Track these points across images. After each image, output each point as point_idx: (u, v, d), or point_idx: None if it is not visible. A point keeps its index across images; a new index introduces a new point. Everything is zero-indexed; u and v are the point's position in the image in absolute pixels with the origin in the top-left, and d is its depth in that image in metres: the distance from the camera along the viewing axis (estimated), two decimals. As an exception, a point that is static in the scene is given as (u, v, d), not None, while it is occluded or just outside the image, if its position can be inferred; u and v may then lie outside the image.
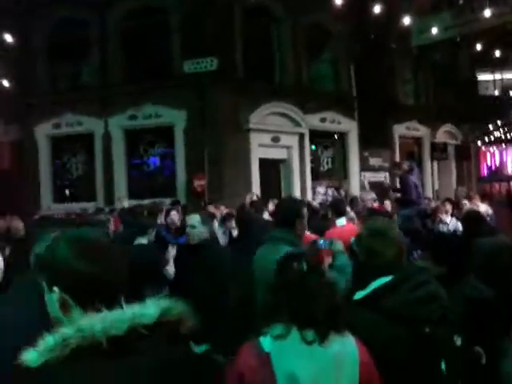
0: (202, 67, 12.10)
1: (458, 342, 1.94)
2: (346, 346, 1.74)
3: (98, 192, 13.58)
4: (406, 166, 7.96)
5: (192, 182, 12.37)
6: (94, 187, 13.68)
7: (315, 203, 8.03)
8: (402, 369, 1.92)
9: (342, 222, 5.43)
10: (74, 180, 14.54)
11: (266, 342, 1.73)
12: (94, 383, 1.09)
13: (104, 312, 1.15)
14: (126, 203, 10.35)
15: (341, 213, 5.56)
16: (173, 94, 12.54)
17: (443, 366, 1.88)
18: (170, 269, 4.46)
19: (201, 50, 12.16)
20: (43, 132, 14.00)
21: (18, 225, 6.27)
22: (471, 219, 5.16)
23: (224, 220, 6.55)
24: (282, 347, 1.69)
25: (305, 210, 3.25)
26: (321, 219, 6.60)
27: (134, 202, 10.32)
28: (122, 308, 1.18)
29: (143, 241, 4.54)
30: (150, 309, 1.20)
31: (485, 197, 11.25)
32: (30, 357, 1.08)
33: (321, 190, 10.44)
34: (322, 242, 3.07)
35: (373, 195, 7.82)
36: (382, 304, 2.03)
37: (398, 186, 8.04)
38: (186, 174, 12.72)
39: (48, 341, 1.09)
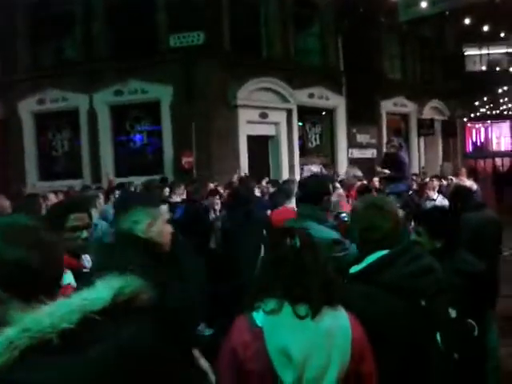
0: (188, 41, 11.92)
1: (453, 314, 1.97)
2: (338, 321, 1.75)
3: (84, 169, 13.45)
4: (396, 142, 7.97)
5: (180, 159, 12.30)
6: (80, 164, 13.54)
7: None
8: (398, 341, 1.95)
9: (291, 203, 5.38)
10: (60, 157, 14.37)
11: (258, 316, 1.74)
12: (52, 383, 0.99)
13: (49, 305, 1.05)
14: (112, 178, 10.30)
15: (290, 195, 5.51)
16: (159, 69, 12.36)
17: (439, 338, 1.91)
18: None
19: (187, 25, 11.95)
20: (27, 108, 13.75)
21: (5, 203, 6.18)
22: (460, 194, 5.22)
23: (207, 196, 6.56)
24: (275, 322, 1.71)
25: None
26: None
27: (122, 180, 10.25)
28: (68, 298, 1.08)
29: None
30: (101, 292, 1.11)
31: (471, 173, 11.37)
32: None
33: (313, 168, 10.47)
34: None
35: (358, 173, 7.82)
36: (378, 278, 2.04)
37: (384, 163, 8.05)
38: (174, 150, 12.64)
39: None
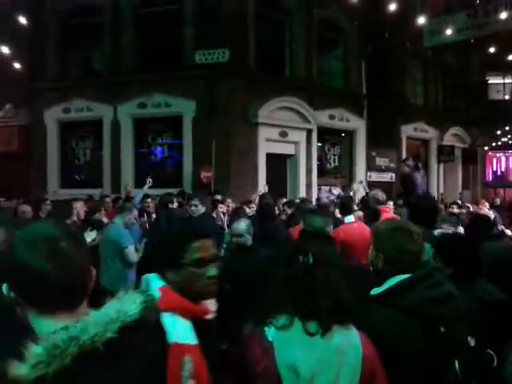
0: (213, 58, 12.09)
1: (472, 342, 1.96)
2: (349, 339, 1.76)
3: (104, 178, 13.62)
4: (411, 162, 7.94)
5: (199, 174, 12.39)
6: (101, 174, 13.71)
7: (325, 200, 8.03)
8: (414, 365, 1.94)
9: (350, 218, 5.49)
10: (82, 166, 14.57)
11: (269, 332, 1.76)
12: None
13: (90, 315, 1.08)
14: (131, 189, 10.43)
15: (348, 210, 5.62)
16: (183, 84, 12.55)
17: (457, 366, 1.90)
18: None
19: (213, 41, 12.15)
20: (52, 116, 14.02)
21: (26, 208, 6.32)
22: (479, 223, 5.18)
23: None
24: (285, 337, 1.73)
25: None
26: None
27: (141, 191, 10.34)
28: (89, 310, 1.11)
29: None
30: (129, 305, 1.14)
31: (493, 204, 11.27)
32: (22, 371, 0.97)
33: (334, 191, 10.51)
34: None
35: (380, 197, 7.74)
36: (398, 301, 2.04)
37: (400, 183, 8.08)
38: (193, 165, 12.74)
39: (36, 352, 0.99)
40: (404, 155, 17.48)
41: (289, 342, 1.72)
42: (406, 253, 2.14)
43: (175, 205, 6.97)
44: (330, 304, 1.75)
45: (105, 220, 6.74)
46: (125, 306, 1.13)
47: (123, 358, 1.07)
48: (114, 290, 1.32)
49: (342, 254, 5.18)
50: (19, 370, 0.97)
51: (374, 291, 2.12)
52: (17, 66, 12.77)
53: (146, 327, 1.15)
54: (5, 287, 1.11)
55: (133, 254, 5.21)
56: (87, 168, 14.46)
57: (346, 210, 5.64)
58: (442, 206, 8.32)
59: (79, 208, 6.72)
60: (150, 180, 7.75)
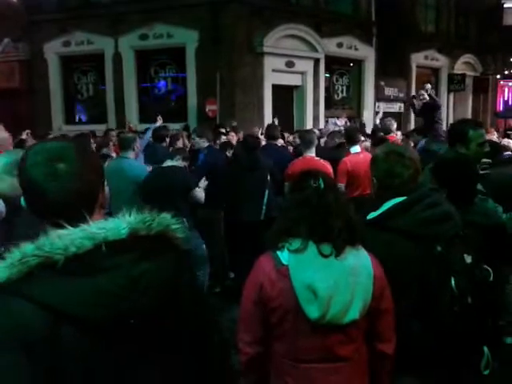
0: (215, -15, 11.60)
1: (468, 260, 2.00)
2: (361, 260, 1.81)
3: (109, 114, 13.51)
4: (429, 87, 7.82)
5: (204, 107, 12.24)
6: (105, 109, 13.59)
7: (321, 130, 7.93)
8: (413, 287, 1.99)
9: (356, 149, 5.46)
10: (85, 101, 14.43)
11: (283, 255, 1.79)
12: (49, 300, 1.03)
13: (67, 229, 1.09)
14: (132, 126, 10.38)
15: (354, 140, 5.58)
16: (185, 14, 12.11)
17: (453, 283, 1.95)
18: (200, 193, 4.82)
19: (215, -33, 11.60)
20: (53, 50, 13.72)
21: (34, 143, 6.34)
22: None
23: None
24: (300, 260, 1.76)
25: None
26: (335, 148, 6.56)
27: (145, 126, 10.29)
28: (87, 225, 1.11)
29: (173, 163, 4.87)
30: (119, 224, 1.13)
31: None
32: None
33: (338, 122, 10.32)
34: None
35: (391, 126, 7.61)
36: (394, 224, 2.06)
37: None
38: (198, 98, 12.55)
39: (12, 256, 1.05)
40: (414, 84, 17.08)
41: (305, 263, 1.75)
42: (397, 176, 2.14)
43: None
44: (341, 226, 1.79)
45: (113, 155, 6.73)
46: (113, 224, 1.12)
47: (87, 274, 1.06)
48: None
49: (350, 184, 5.22)
50: None
51: (371, 215, 2.14)
52: (13, -2, 12.39)
53: (134, 249, 1.12)
54: (22, 200, 1.22)
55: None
56: (91, 103, 14.31)
57: (352, 140, 5.60)
58: None
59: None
60: (160, 118, 7.66)
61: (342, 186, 5.17)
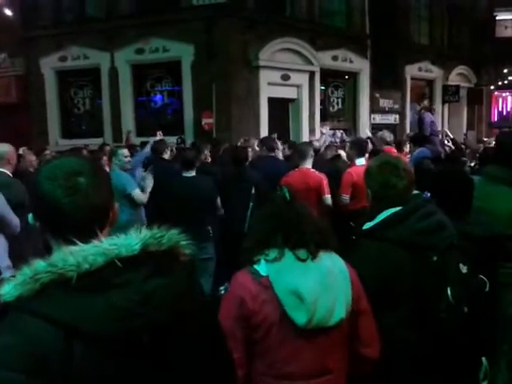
0: (210, -1, 11.71)
1: (464, 270, 2.00)
2: (335, 263, 1.84)
3: (105, 128, 13.54)
4: (426, 102, 7.87)
5: (200, 120, 12.28)
6: (101, 123, 13.62)
7: (317, 143, 7.92)
8: (409, 297, 1.99)
9: (361, 161, 5.42)
10: (82, 115, 14.45)
11: (260, 267, 1.78)
12: (61, 317, 1.03)
13: (78, 245, 1.09)
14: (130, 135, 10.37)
15: (363, 152, 5.56)
16: (181, 27, 12.20)
17: (449, 292, 1.95)
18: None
19: (210, -18, 11.72)
20: (49, 65, 13.78)
21: (32, 158, 6.35)
22: (482, 157, 5.21)
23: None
24: (280, 268, 1.76)
25: None
26: (330, 160, 6.56)
27: (142, 139, 10.32)
28: (99, 241, 1.11)
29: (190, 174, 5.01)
30: (131, 240, 1.12)
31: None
32: (7, 290, 1.04)
33: (324, 130, 10.33)
34: None
35: (388, 138, 7.62)
36: (390, 234, 2.07)
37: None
38: (194, 111, 12.59)
39: (24, 273, 1.04)
40: (408, 96, 17.21)
41: (285, 270, 1.75)
42: (391, 188, 2.16)
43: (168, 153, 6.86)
44: (313, 231, 1.83)
45: (106, 169, 6.74)
46: (125, 240, 1.12)
47: (100, 291, 1.06)
48: None
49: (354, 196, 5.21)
50: (5, 289, 1.03)
51: (366, 226, 2.15)
52: (9, 13, 12.45)
53: (146, 265, 1.12)
54: (30, 217, 1.20)
55: (139, 195, 5.15)
56: (87, 117, 14.34)
57: (359, 152, 5.57)
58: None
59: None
60: (161, 133, 7.66)
61: (346, 197, 5.14)
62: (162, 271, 1.14)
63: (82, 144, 10.39)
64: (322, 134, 9.56)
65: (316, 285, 1.73)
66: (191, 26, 12.12)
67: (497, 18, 22.06)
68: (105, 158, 7.43)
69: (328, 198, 5.16)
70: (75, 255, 1.06)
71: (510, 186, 2.76)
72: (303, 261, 1.77)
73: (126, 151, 5.55)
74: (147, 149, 6.97)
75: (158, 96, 13.50)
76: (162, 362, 1.14)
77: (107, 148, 8.23)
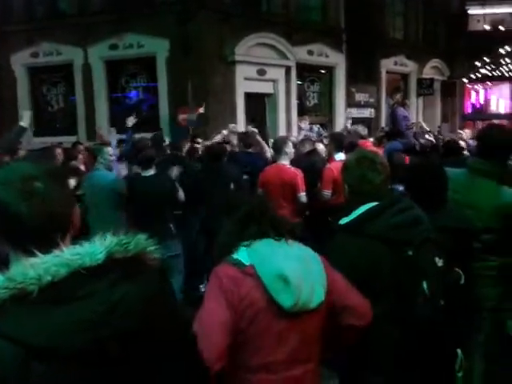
0: (185, -6, 11.59)
1: (439, 263, 2.02)
2: (305, 249, 1.88)
3: (79, 125, 13.32)
4: (399, 96, 7.88)
5: (176, 116, 12.16)
6: (75, 120, 13.39)
7: (294, 139, 7.92)
8: (386, 291, 2.01)
9: (340, 156, 5.42)
10: (55, 113, 14.18)
11: (242, 256, 1.78)
12: (21, 334, 0.98)
13: (39, 257, 1.03)
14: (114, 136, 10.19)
15: (342, 147, 5.56)
16: (155, 23, 12.05)
17: (425, 286, 1.97)
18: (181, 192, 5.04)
19: (184, -24, 11.60)
20: (20, 61, 13.48)
21: (3, 158, 6.18)
22: (448, 148, 5.31)
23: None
24: (261, 254, 1.77)
25: None
26: (307, 154, 6.56)
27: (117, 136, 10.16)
28: (60, 251, 1.06)
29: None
30: (95, 248, 1.08)
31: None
32: None
33: (303, 125, 10.31)
34: None
35: (362, 132, 7.64)
36: (367, 229, 2.08)
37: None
38: (170, 107, 12.48)
39: None
40: (384, 90, 17.37)
41: (267, 256, 1.76)
42: (368, 182, 2.17)
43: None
44: (279, 222, 1.90)
45: (82, 167, 6.61)
46: (88, 249, 1.08)
47: (63, 303, 1.02)
48: None
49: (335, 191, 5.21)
50: None
51: (343, 221, 2.15)
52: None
53: (112, 273, 1.09)
54: None
55: None
56: (60, 115, 14.08)
57: (339, 146, 5.57)
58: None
59: (59, 155, 6.55)
60: (132, 118, 7.28)
61: (328, 193, 5.15)
62: (128, 278, 1.11)
63: (55, 142, 10.22)
64: (300, 128, 9.53)
65: (298, 267, 1.75)
66: (165, 21, 11.99)
67: (469, 12, 22.39)
68: (80, 156, 7.30)
69: (303, 195, 5.16)
70: (36, 268, 1.01)
71: (492, 180, 2.78)
72: (278, 243, 1.81)
73: (110, 149, 5.47)
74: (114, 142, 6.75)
75: (133, 92, 13.34)
76: (132, 370, 1.11)
77: (80, 147, 8.09)
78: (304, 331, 1.78)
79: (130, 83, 13.27)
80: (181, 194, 5.06)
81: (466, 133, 9.10)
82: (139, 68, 13.11)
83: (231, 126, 7.87)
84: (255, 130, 6.87)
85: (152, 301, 1.15)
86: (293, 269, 1.74)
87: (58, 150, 6.75)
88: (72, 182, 5.52)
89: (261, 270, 1.74)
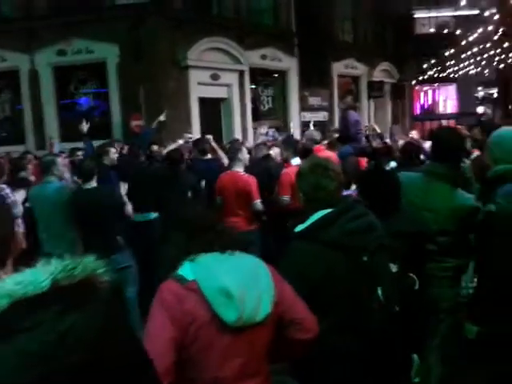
0: (135, -2, 11.41)
1: (394, 269, 2.04)
2: (253, 259, 1.86)
3: (27, 134, 12.84)
4: (350, 99, 7.95)
5: (128, 122, 11.94)
6: (22, 129, 12.91)
7: (248, 144, 7.92)
8: (341, 297, 2.01)
9: (297, 161, 5.42)
10: (1, 121, 13.62)
11: (185, 272, 1.75)
12: None
13: None
14: (58, 146, 9.88)
15: (296, 152, 5.57)
16: (104, 27, 11.77)
17: (380, 292, 1.98)
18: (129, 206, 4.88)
19: (133, -20, 11.42)
20: (-39, 68, 12.88)
21: None
22: (405, 151, 5.42)
23: None
24: (205, 269, 1.74)
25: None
26: (261, 160, 6.55)
27: (68, 145, 9.89)
28: (1, 280, 0.98)
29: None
30: (38, 275, 1.00)
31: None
32: None
33: (262, 130, 10.33)
34: None
35: (316, 136, 7.70)
36: (322, 235, 2.08)
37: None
38: (122, 113, 12.23)
39: None
40: (336, 93, 17.67)
41: (210, 271, 1.73)
42: (322, 189, 2.17)
43: (114, 153, 6.54)
44: (228, 236, 1.87)
45: (32, 178, 6.36)
46: (31, 276, 0.99)
47: (4, 339, 0.94)
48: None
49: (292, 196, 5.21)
50: None
51: (298, 228, 2.15)
52: None
53: (58, 302, 1.01)
54: None
55: None
56: (7, 123, 13.53)
57: (296, 151, 5.58)
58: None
59: (3, 165, 6.27)
60: (84, 124, 7.03)
61: (287, 198, 5.13)
62: (76, 306, 1.02)
63: (2, 152, 9.82)
64: (260, 134, 9.51)
65: (242, 280, 1.72)
66: (115, 26, 11.75)
67: (414, 16, 23.14)
68: (30, 166, 7.02)
69: (257, 203, 5.15)
70: None
71: (447, 183, 2.83)
72: (223, 256, 1.78)
73: (61, 159, 5.29)
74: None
75: (84, 99, 12.99)
76: None
77: (30, 156, 7.80)
78: (251, 345, 1.75)
79: (80, 89, 12.91)
80: (128, 208, 4.91)
81: (413, 134, 9.33)
82: (89, 74, 12.78)
83: (187, 135, 7.77)
84: (210, 137, 6.81)
85: (102, 329, 1.09)
86: (237, 282, 1.71)
87: (1, 162, 6.45)
88: (21, 195, 5.30)
89: (203, 285, 1.70)
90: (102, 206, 4.61)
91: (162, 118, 7.91)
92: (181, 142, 7.20)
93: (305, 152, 5.33)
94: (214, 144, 6.61)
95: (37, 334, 0.95)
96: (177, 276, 1.75)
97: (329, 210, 2.14)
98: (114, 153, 6.34)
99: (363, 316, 1.98)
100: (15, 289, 0.97)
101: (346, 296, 2.00)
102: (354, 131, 7.27)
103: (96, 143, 7.70)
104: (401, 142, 8.03)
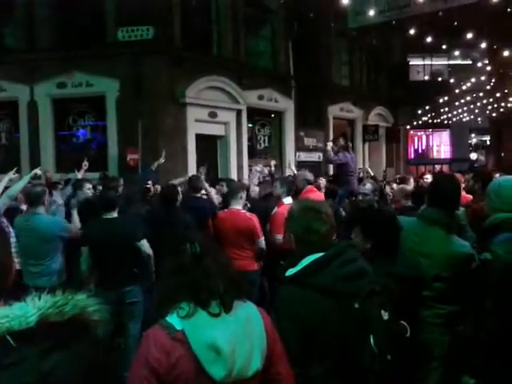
0: (137, 35, 11.67)
1: (385, 316, 2.00)
2: (250, 310, 1.79)
3: (23, 163, 12.81)
4: (342, 141, 8.03)
5: (125, 156, 11.98)
6: (18, 158, 12.91)
7: (247, 182, 7.93)
8: (332, 344, 1.96)
9: (289, 200, 5.38)
10: (-2, 150, 13.66)
11: (175, 321, 1.68)
12: None
13: None
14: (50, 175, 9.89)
15: (291, 191, 5.55)
16: (106, 63, 12.00)
17: (372, 341, 1.94)
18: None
19: (137, 18, 11.69)
20: (-39, 97, 12.98)
21: None
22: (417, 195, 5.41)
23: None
24: (194, 322, 1.67)
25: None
26: (263, 199, 6.49)
27: (64, 176, 9.89)
28: None
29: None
30: (26, 310, 0.99)
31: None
32: None
33: (258, 168, 10.41)
34: None
35: (309, 177, 7.76)
36: (313, 280, 2.04)
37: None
38: (119, 147, 12.29)
39: None
40: (331, 135, 17.89)
41: (200, 324, 1.66)
42: (314, 232, 2.16)
43: (88, 188, 6.53)
44: (226, 285, 1.75)
45: (23, 207, 6.32)
46: (18, 311, 0.98)
47: None
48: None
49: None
50: None
51: (289, 272, 2.11)
52: None
53: (44, 338, 0.98)
54: None
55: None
56: (3, 152, 13.57)
57: (289, 190, 5.55)
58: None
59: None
60: (86, 163, 7.24)
61: (280, 237, 5.04)
62: (63, 345, 1.00)
63: None
64: (256, 171, 9.52)
65: (232, 336, 1.66)
66: (117, 62, 11.97)
67: (410, 63, 23.75)
68: (21, 195, 6.98)
69: (261, 241, 5.08)
70: None
71: (445, 229, 2.83)
72: (216, 315, 1.69)
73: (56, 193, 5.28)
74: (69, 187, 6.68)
75: (81, 131, 13.08)
76: None
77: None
78: None
79: (78, 122, 13.02)
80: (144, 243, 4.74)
81: (428, 178, 9.42)
82: (88, 107, 12.92)
83: (161, 160, 7.86)
84: (200, 176, 6.76)
85: (88, 371, 1.04)
86: (227, 336, 1.65)
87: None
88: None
89: (191, 337, 1.64)
90: (120, 236, 4.55)
91: (161, 159, 7.97)
92: (176, 182, 7.10)
93: (297, 192, 5.32)
94: (203, 182, 6.47)
95: (18, 373, 0.93)
96: (165, 323, 1.69)
97: (320, 254, 2.11)
98: (88, 188, 6.35)
99: (357, 362, 1.93)
100: (0, 322, 0.95)
101: (340, 342, 1.95)
102: (347, 173, 7.32)
103: (92, 176, 7.75)
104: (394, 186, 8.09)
